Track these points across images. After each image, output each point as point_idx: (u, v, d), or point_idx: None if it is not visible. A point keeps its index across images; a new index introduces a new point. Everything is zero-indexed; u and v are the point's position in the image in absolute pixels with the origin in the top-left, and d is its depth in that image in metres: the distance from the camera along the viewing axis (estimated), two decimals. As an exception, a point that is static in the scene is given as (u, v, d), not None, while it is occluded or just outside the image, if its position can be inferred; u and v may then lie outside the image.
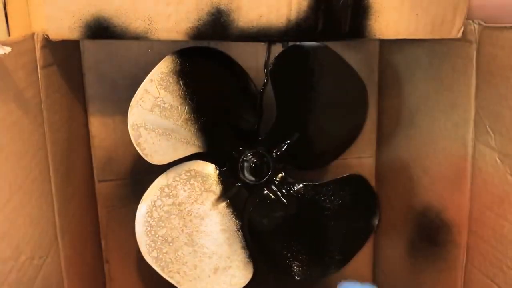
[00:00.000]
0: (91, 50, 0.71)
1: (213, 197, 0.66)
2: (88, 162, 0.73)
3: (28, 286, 0.47)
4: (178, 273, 0.64)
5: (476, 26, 0.59)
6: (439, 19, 0.59)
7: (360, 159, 0.82)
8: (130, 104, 0.58)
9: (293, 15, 0.54)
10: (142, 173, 0.71)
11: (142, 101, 0.59)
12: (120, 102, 0.70)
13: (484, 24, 0.59)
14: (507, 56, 0.56)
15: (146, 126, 0.60)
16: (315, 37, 0.57)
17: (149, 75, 0.59)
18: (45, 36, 0.50)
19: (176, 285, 0.64)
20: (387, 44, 0.78)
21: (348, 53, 0.72)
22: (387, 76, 0.80)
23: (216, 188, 0.66)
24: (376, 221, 0.71)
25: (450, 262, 0.66)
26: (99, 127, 0.73)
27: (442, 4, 0.58)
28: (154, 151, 0.61)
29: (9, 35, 0.60)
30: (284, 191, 0.68)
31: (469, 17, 0.60)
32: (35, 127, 0.50)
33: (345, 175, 0.69)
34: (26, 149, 0.47)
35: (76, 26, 0.50)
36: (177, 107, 0.61)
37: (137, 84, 0.59)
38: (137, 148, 0.60)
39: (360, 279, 0.75)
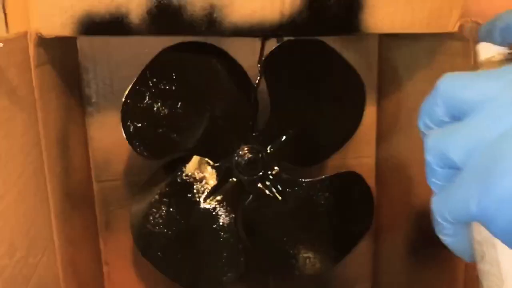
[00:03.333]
0: (88, 50, 0.71)
1: (207, 192, 0.66)
2: (86, 163, 0.74)
3: (23, 284, 0.47)
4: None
5: (474, 25, 0.60)
6: (435, 12, 0.59)
7: (360, 158, 0.82)
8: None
9: (287, 10, 0.54)
10: (140, 174, 0.72)
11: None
12: (117, 102, 0.71)
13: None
14: None
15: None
16: (309, 31, 0.58)
17: (142, 69, 0.60)
18: (38, 35, 0.51)
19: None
20: (386, 43, 0.78)
21: (346, 52, 0.73)
22: (386, 75, 0.80)
23: (211, 183, 0.67)
24: (371, 218, 0.71)
25: (451, 262, 0.66)
26: (96, 127, 0.73)
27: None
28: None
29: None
30: (279, 186, 0.69)
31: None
32: (29, 126, 0.51)
33: (339, 172, 0.70)
34: (20, 147, 0.48)
35: (68, 22, 0.51)
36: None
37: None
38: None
39: (360, 278, 0.76)
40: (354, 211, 0.71)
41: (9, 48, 0.45)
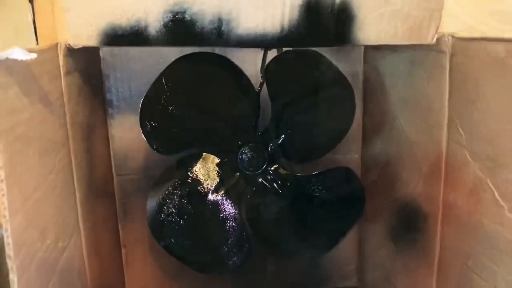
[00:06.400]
0: (109, 59, 0.71)
1: (214, 185, 0.66)
2: (107, 158, 0.74)
3: (53, 265, 0.47)
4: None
5: (450, 38, 0.60)
6: (417, 26, 0.59)
7: (347, 155, 0.82)
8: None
9: (286, 24, 0.54)
10: (156, 168, 0.72)
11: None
12: (135, 105, 0.71)
13: (456, 36, 0.59)
14: (476, 65, 0.56)
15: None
16: (306, 43, 0.58)
17: (158, 76, 0.60)
18: (67, 46, 0.51)
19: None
20: (371, 53, 0.78)
21: (336, 61, 0.72)
22: (371, 83, 0.80)
23: (218, 178, 0.67)
24: (362, 208, 0.71)
25: (427, 247, 0.66)
26: (117, 127, 0.73)
27: (419, 13, 0.59)
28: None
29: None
30: (278, 181, 0.69)
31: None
32: (59, 126, 0.50)
33: (333, 167, 0.70)
34: (51, 146, 0.48)
35: (93, 34, 0.50)
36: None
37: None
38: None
39: (348, 260, 0.76)
40: (346, 203, 0.70)
41: (41, 58, 0.45)
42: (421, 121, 0.66)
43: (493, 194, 0.53)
